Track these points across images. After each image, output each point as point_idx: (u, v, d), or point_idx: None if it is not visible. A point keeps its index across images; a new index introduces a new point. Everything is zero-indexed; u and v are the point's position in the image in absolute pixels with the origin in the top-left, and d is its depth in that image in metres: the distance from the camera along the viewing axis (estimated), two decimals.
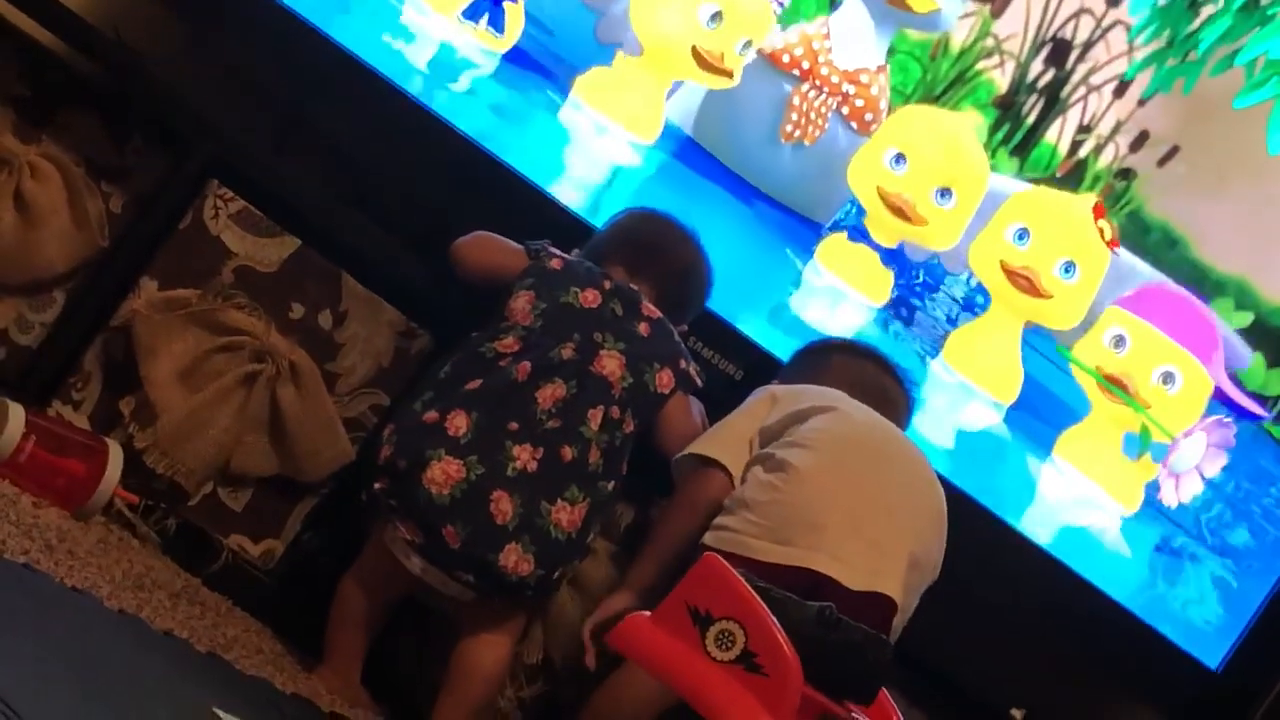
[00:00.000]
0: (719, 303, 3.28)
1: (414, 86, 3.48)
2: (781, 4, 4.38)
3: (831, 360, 3.18)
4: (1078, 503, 3.82)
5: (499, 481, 2.88)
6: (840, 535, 2.82)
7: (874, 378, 3.16)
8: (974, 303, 4.43)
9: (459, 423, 2.91)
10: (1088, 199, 4.06)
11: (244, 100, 3.25)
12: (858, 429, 2.96)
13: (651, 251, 3.15)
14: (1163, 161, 4.85)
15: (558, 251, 3.10)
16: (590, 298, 3.03)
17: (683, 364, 3.06)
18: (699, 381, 3.07)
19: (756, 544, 2.82)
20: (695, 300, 3.21)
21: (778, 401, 3.01)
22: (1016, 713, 3.29)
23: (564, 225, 3.25)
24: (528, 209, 3.27)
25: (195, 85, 3.23)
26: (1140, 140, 4.87)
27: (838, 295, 4.09)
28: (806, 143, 4.36)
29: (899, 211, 4.03)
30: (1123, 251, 4.16)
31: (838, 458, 2.90)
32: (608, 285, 3.05)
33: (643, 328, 3.04)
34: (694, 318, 3.22)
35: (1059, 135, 4.95)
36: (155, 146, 3.21)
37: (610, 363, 2.99)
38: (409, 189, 3.27)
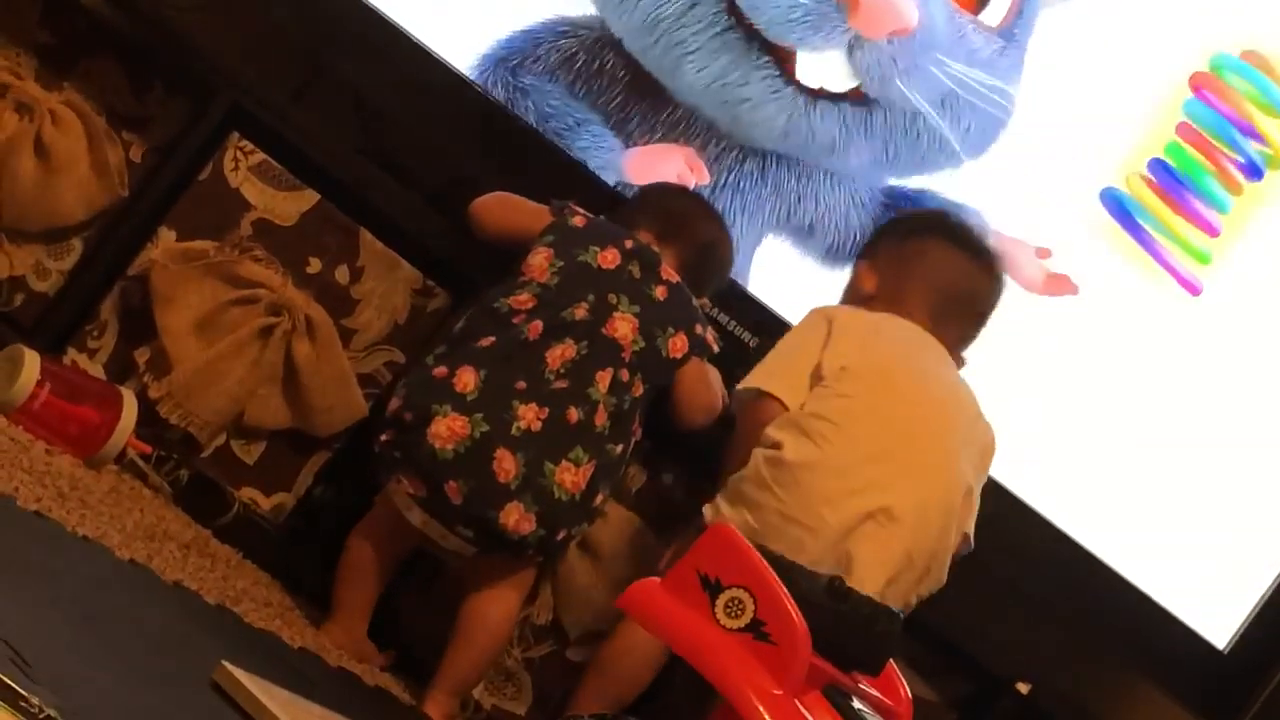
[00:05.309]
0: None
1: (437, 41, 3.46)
2: None
3: (929, 251, 3.06)
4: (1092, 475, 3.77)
5: (503, 440, 2.87)
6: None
7: (965, 280, 3.06)
8: None
9: (467, 379, 2.90)
10: None
11: (266, 52, 3.24)
12: (884, 410, 2.89)
13: (681, 220, 3.14)
14: None
15: (582, 211, 3.08)
16: (609, 258, 3.02)
17: (698, 329, 3.04)
18: (715, 348, 3.06)
19: None
20: (715, 276, 3.20)
21: (833, 327, 2.95)
22: (1022, 686, 3.29)
23: (588, 189, 3.23)
24: (551, 171, 3.26)
25: (218, 36, 3.22)
26: None
27: None
28: None
29: None
30: None
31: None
32: (629, 245, 3.03)
33: (659, 291, 3.02)
34: (712, 292, 3.21)
35: None
36: (177, 97, 3.21)
37: (623, 325, 2.98)
38: (430, 146, 3.27)
